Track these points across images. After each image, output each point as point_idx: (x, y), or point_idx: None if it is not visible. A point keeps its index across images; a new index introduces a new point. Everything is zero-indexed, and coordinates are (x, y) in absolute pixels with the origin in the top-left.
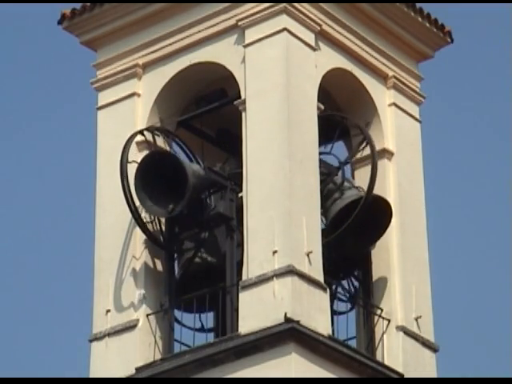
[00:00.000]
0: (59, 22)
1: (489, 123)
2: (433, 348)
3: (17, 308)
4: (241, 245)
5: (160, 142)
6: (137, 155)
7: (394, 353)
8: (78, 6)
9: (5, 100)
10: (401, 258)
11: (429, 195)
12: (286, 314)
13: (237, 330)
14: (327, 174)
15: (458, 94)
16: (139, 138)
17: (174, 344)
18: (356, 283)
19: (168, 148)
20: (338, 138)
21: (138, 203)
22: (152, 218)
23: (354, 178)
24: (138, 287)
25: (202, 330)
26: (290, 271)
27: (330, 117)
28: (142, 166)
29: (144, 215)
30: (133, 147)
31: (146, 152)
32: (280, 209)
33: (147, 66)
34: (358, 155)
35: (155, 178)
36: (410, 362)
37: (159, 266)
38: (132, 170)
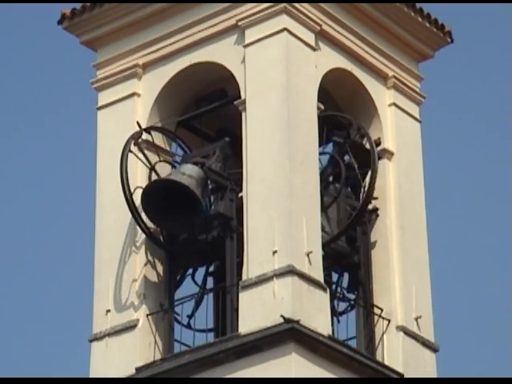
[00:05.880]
0: (59, 22)
1: (489, 123)
2: (433, 348)
3: (17, 308)
4: (241, 245)
5: (160, 141)
6: (137, 155)
7: (394, 353)
8: (78, 5)
9: (5, 100)
10: (401, 258)
11: (429, 195)
12: (283, 316)
13: (237, 330)
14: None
15: (458, 94)
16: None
17: (174, 344)
18: (356, 283)
19: (168, 147)
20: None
21: (138, 203)
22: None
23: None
24: (138, 287)
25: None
26: (290, 271)
27: (330, 117)
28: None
29: (144, 215)
30: (133, 147)
31: (146, 152)
32: (280, 209)
33: (147, 66)
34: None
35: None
36: (410, 362)
37: (159, 266)
38: (132, 170)
